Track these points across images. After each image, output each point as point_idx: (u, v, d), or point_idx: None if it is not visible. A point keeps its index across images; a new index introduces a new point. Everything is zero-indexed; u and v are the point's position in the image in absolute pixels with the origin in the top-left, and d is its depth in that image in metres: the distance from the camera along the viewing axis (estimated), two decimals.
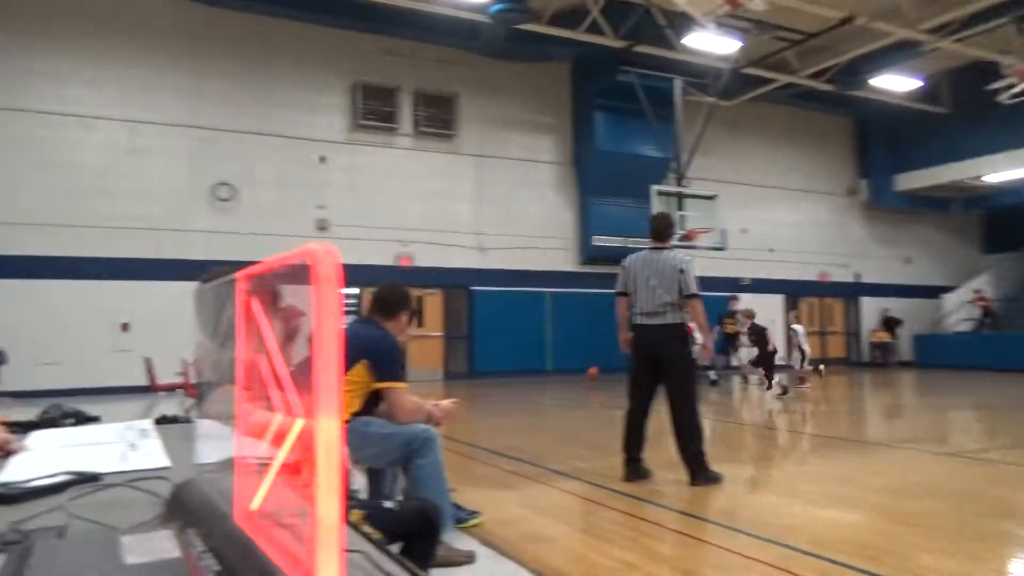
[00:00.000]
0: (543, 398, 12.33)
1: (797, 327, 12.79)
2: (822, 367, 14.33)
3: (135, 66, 13.47)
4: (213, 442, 1.08)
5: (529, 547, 3.70)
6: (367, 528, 2.03)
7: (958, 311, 21.06)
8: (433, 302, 16.06)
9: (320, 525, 0.62)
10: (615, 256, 15.92)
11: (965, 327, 20.74)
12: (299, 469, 0.71)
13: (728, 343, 14.36)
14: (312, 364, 0.65)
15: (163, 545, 0.69)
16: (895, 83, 17.36)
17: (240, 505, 0.81)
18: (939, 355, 19.56)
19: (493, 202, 16.39)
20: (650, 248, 5.52)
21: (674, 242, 5.72)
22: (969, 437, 8.41)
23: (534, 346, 16.35)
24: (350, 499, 3.19)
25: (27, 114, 12.67)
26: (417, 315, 15.58)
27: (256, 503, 0.77)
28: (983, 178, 20.12)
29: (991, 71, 15.01)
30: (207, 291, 1.04)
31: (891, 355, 20.88)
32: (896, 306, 21.39)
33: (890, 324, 21.07)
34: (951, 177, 20.15)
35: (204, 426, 1.23)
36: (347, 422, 3.34)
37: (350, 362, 3.36)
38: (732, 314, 14.37)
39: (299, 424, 0.72)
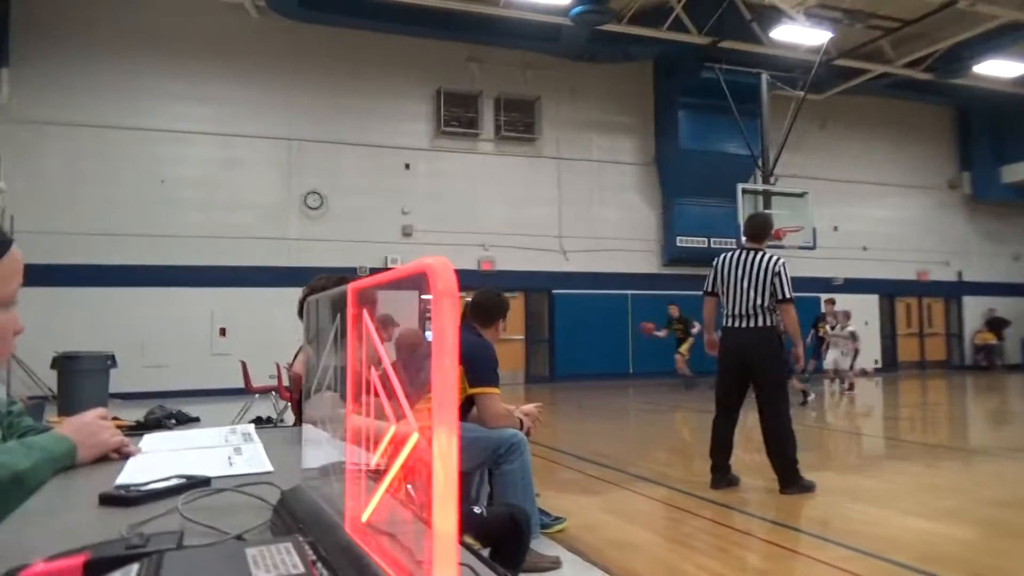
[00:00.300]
0: (626, 402, 12.21)
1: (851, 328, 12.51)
2: (868, 369, 13.85)
3: (230, 82, 14.12)
4: (316, 448, 1.11)
5: (614, 553, 3.67)
6: (466, 538, 2.06)
7: None
8: (515, 306, 16.14)
9: (437, 539, 0.63)
10: (699, 257, 15.80)
11: None
12: (412, 480, 0.72)
13: (820, 347, 13.83)
14: (431, 376, 0.66)
15: (287, 559, 0.72)
16: (1000, 68, 16.34)
17: (351, 515, 0.83)
18: None
19: (574, 204, 16.34)
20: (744, 248, 5.38)
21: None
22: None
23: (616, 349, 16.20)
24: None
25: (132, 132, 13.46)
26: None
27: (367, 514, 0.79)
28: None
29: None
30: (315, 300, 1.08)
31: (997, 358, 19.67)
32: (1003, 306, 20.12)
33: (996, 325, 19.85)
34: None
35: (307, 431, 1.26)
36: None
37: None
38: (824, 317, 13.82)
39: (415, 436, 0.73)
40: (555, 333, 15.94)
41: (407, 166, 15.19)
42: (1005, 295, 20.40)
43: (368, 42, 14.94)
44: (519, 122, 15.96)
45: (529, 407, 3.73)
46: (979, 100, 18.60)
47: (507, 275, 15.50)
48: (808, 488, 5.06)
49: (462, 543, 0.99)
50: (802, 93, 15.37)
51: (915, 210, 19.96)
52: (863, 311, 17.88)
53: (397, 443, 0.73)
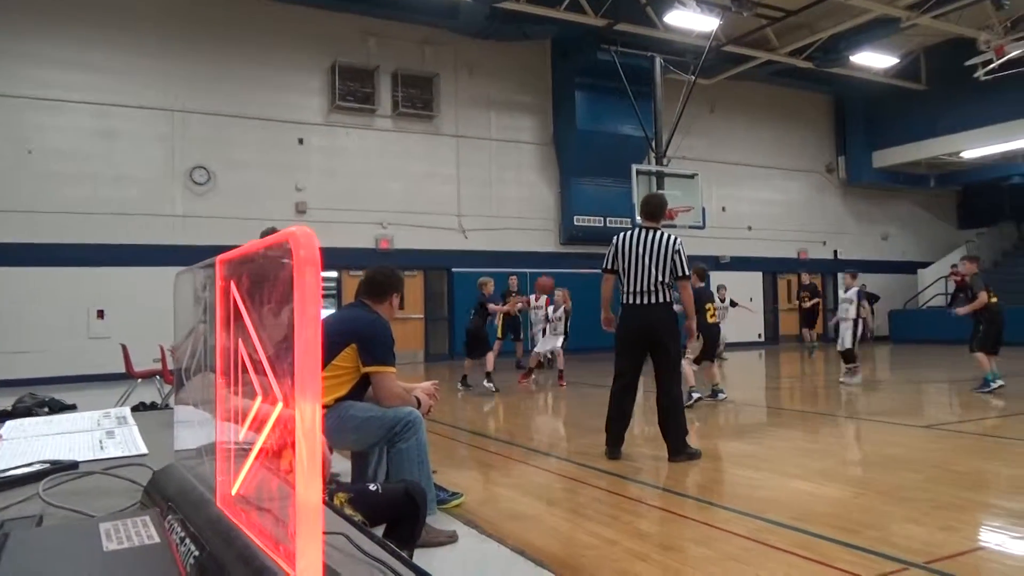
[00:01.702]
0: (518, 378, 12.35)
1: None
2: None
3: (106, 47, 13.20)
4: (191, 428, 1.08)
5: (510, 525, 3.74)
6: (349, 510, 2.04)
7: (934, 286, 21.36)
8: (414, 284, 16.02)
9: (300, 508, 0.62)
10: (595, 236, 16.12)
11: (941, 302, 21.06)
12: (280, 453, 0.71)
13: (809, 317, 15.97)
14: (292, 348, 0.65)
15: (142, 531, 0.69)
16: (873, 60, 17.44)
17: (221, 490, 0.81)
18: (914, 330, 19.85)
19: (473, 183, 16.33)
20: (642, 227, 5.53)
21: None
22: (944, 410, 8.57)
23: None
24: (332, 483, 3.20)
25: None
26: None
27: (236, 487, 0.77)
28: (960, 154, 20.35)
29: (968, 47, 15.12)
30: (185, 276, 1.04)
31: (867, 330, 21.13)
32: (872, 282, 21.58)
33: (866, 300, 21.30)
34: (928, 153, 20.35)
35: (182, 412, 1.22)
36: (331, 407, 3.34)
37: (339, 346, 3.35)
38: (807, 287, 15.65)
39: (279, 409, 0.72)
40: (454, 311, 15.94)
41: (300, 141, 14.72)
42: (875, 272, 21.90)
43: (258, 10, 14.32)
44: (417, 99, 15.74)
45: (426, 385, 3.72)
46: (854, 89, 19.79)
47: (406, 253, 15.35)
48: (695, 456, 5.32)
49: (341, 514, 0.99)
50: (693, 77, 15.89)
51: (796, 192, 21.09)
52: (748, 288, 18.81)
53: (264, 417, 0.72)
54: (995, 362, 9.44)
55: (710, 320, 8.40)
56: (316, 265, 0.64)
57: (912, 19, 14.63)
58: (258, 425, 0.73)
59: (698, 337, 8.13)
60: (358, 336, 3.35)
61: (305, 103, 14.83)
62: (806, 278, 16.07)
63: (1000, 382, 9.31)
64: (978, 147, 19.46)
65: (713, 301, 8.61)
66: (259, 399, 0.74)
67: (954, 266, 21.01)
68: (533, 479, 4.92)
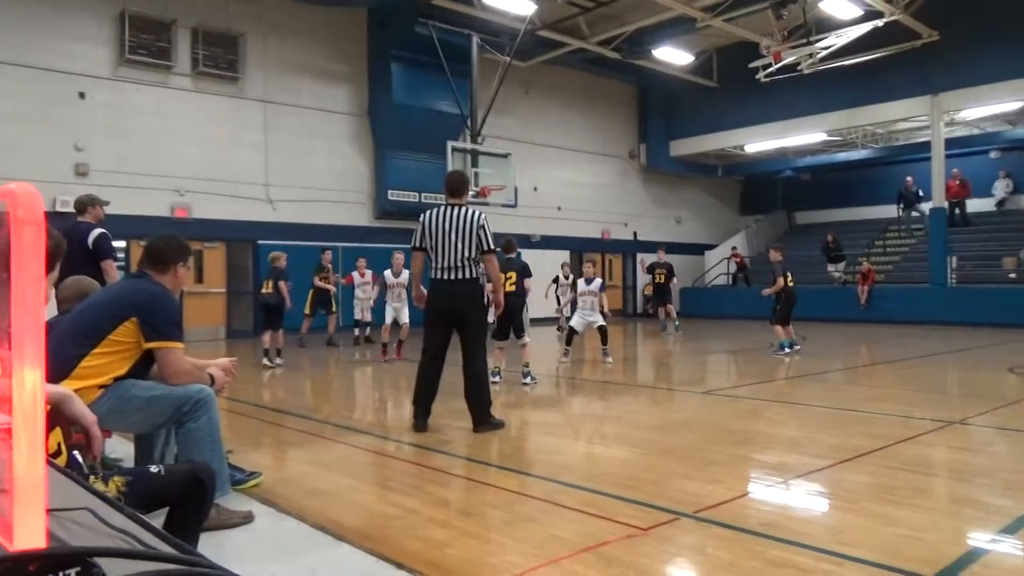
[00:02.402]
0: (333, 354, 12.14)
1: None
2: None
3: None
4: None
5: (310, 502, 3.68)
6: (100, 485, 1.91)
7: (718, 267, 23.56)
8: (214, 256, 15.08)
9: (18, 481, 0.59)
10: (410, 211, 16.03)
11: (723, 281, 23.30)
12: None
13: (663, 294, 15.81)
14: (9, 314, 0.61)
15: None
16: (672, 56, 18.74)
17: None
18: (701, 306, 21.81)
19: (283, 152, 15.59)
20: (447, 204, 5.59)
21: (468, 198, 5.84)
22: (722, 378, 9.53)
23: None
24: (114, 467, 2.98)
25: None
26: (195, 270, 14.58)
27: None
28: (743, 148, 22.51)
29: (753, 50, 16.67)
30: None
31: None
32: (668, 262, 23.42)
33: None
34: (717, 146, 22.30)
35: None
36: (109, 386, 3.08)
37: (117, 319, 3.08)
38: (662, 265, 15.56)
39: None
40: (260, 285, 15.20)
41: (81, 95, 13.23)
42: (670, 252, 23.64)
43: None
44: (221, 58, 14.69)
45: (223, 361, 3.53)
46: (656, 82, 21.18)
47: (206, 223, 14.40)
48: (498, 426, 5.52)
49: (91, 489, 0.93)
50: (509, 59, 16.22)
51: (602, 176, 22.29)
52: (557, 266, 19.66)
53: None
54: (791, 331, 11.08)
55: (507, 288, 7.87)
56: (38, 224, 0.60)
57: (707, 20, 15.88)
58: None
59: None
60: (138, 309, 3.10)
61: (88, 53, 13.32)
62: (661, 255, 16.08)
63: (797, 347, 11.01)
64: (758, 142, 21.63)
65: (516, 271, 8.29)
66: None
67: (735, 248, 23.32)
68: (337, 455, 4.86)
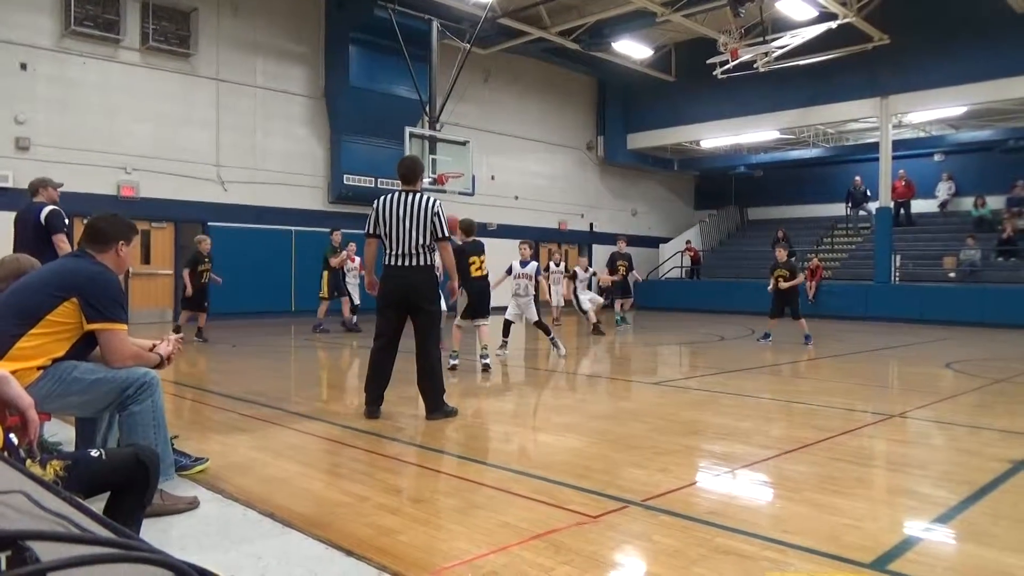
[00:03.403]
0: (285, 339, 11.97)
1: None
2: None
3: None
4: None
5: (258, 488, 3.62)
6: (38, 468, 1.85)
7: (672, 259, 23.86)
8: (163, 237, 14.70)
9: None
10: (367, 196, 15.84)
11: (676, 274, 23.62)
12: None
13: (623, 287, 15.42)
14: None
15: None
16: (631, 49, 18.84)
17: None
18: (656, 298, 22.09)
19: (235, 131, 15.24)
20: (402, 191, 5.54)
21: (424, 185, 5.81)
22: (674, 369, 9.67)
23: (278, 286, 15.70)
24: (48, 450, 2.88)
25: None
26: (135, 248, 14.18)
27: None
28: (699, 143, 22.80)
29: (711, 47, 16.85)
30: None
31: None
32: (628, 252, 23.60)
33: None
34: (673, 140, 22.54)
35: None
36: (47, 368, 2.98)
37: (56, 299, 2.97)
38: (623, 256, 15.17)
39: None
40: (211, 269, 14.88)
41: (23, 66, 12.71)
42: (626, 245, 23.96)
43: None
44: (171, 33, 14.25)
45: (169, 338, 3.46)
46: (614, 75, 21.29)
47: (154, 203, 14.02)
48: (451, 413, 5.51)
49: (24, 472, 0.90)
50: (468, 45, 16.10)
51: (559, 166, 22.35)
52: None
53: None
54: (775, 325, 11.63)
55: (475, 274, 8.04)
56: None
57: (666, 15, 15.99)
58: None
59: (461, 292, 8.17)
60: (78, 289, 2.99)
61: (31, 22, 12.80)
62: (622, 246, 15.69)
63: (770, 339, 11.54)
64: (713, 138, 21.93)
65: (481, 255, 8.12)
66: None
67: (688, 242, 23.65)
68: (288, 441, 4.79)
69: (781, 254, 11.57)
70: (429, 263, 5.49)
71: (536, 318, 9.61)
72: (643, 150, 23.40)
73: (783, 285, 11.40)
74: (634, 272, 16.14)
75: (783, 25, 16.15)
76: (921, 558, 2.85)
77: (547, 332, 9.56)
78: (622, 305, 15.85)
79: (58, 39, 13.10)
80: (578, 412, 6.07)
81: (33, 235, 5.86)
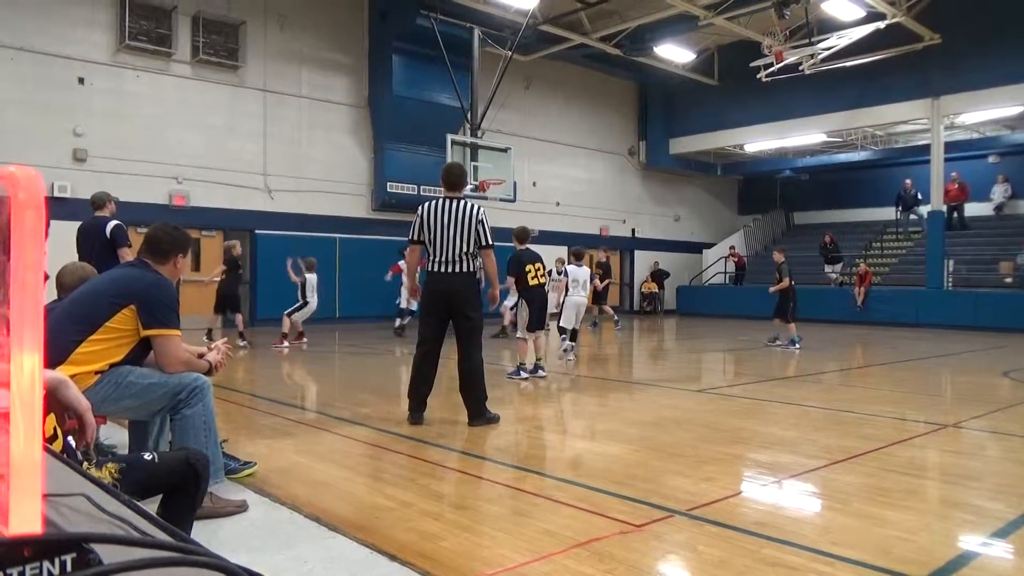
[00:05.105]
0: (330, 345, 12.14)
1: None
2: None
3: None
4: None
5: (305, 493, 3.68)
6: (94, 471, 1.91)
7: (715, 265, 23.57)
8: (212, 245, 15.05)
9: (14, 465, 0.59)
10: (409, 203, 16.01)
11: (720, 280, 23.32)
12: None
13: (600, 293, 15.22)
14: (9, 299, 0.61)
15: None
16: (673, 53, 18.70)
17: None
18: (698, 304, 21.84)
19: (282, 141, 15.55)
20: (446, 197, 5.58)
21: (466, 192, 5.84)
22: (717, 376, 9.55)
23: (323, 292, 15.92)
24: (108, 454, 2.97)
25: None
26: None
27: None
28: (743, 147, 22.51)
29: (754, 49, 16.64)
30: None
31: (658, 304, 22.96)
32: (664, 260, 23.45)
33: (658, 276, 23.09)
34: (716, 144, 22.29)
35: None
36: (105, 372, 3.08)
37: (116, 307, 3.08)
38: (601, 265, 15.39)
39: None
40: (257, 275, 15.20)
41: (80, 80, 13.18)
42: (667, 251, 23.79)
43: None
44: (221, 47, 14.63)
45: (217, 343, 3.55)
46: (656, 79, 21.16)
47: (204, 212, 14.37)
48: (494, 420, 5.52)
49: (87, 476, 0.93)
50: (510, 53, 16.18)
51: (601, 172, 22.27)
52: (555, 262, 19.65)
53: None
54: (794, 328, 11.85)
55: (531, 283, 8.04)
56: (39, 209, 0.60)
57: (709, 18, 15.85)
58: None
59: (522, 304, 8.20)
60: (137, 297, 3.10)
61: (87, 38, 13.26)
62: (602, 255, 16.34)
63: (798, 346, 11.68)
64: (757, 141, 21.63)
65: (537, 263, 8.17)
66: None
67: (732, 247, 23.34)
68: (332, 446, 4.86)
69: (778, 256, 12.05)
70: (472, 270, 5.52)
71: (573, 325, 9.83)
72: (685, 155, 23.17)
73: (771, 290, 11.99)
74: (595, 280, 15.78)
75: (829, 26, 15.85)
76: (977, 574, 2.76)
77: (573, 338, 9.80)
78: (600, 309, 16.12)
79: (113, 53, 13.54)
80: (620, 419, 6.03)
81: (99, 247, 6.22)
